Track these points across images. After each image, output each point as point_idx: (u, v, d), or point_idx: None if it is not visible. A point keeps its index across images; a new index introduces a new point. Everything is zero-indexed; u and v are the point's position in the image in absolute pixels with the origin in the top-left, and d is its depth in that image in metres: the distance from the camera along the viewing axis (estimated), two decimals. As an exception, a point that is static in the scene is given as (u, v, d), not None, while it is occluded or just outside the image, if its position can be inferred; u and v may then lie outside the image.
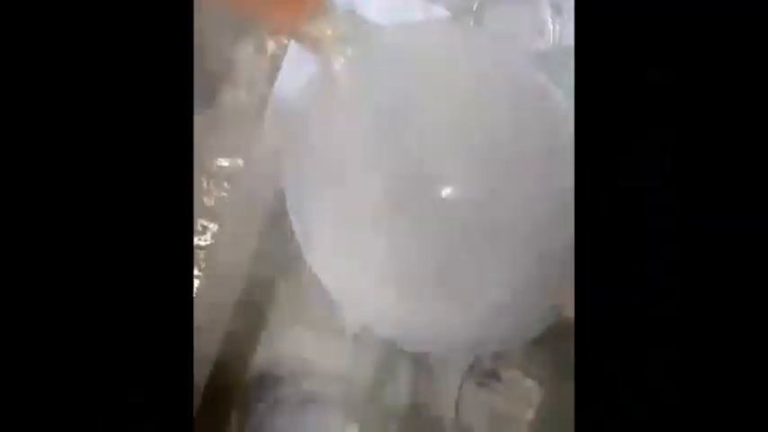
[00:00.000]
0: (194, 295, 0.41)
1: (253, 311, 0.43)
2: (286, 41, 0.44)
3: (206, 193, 0.45)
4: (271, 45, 0.45)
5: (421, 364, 0.43)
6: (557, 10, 0.37)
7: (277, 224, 0.40)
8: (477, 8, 0.38)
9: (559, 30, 0.37)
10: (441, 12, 0.43)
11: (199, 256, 0.44)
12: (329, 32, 0.32)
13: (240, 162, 0.44)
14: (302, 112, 0.32)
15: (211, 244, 0.44)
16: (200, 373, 0.39)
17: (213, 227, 0.45)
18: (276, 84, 0.45)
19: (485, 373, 0.38)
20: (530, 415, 0.36)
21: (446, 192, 0.33)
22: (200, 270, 0.43)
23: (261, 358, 0.42)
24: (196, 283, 0.42)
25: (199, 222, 0.44)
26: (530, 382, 0.37)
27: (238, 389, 0.42)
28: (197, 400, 0.39)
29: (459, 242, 0.34)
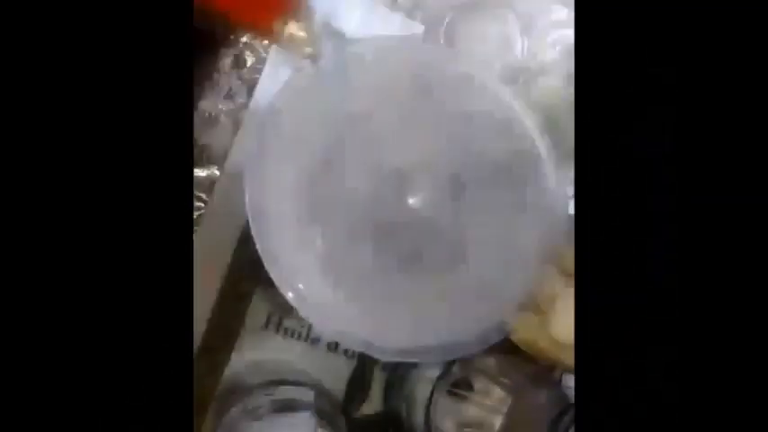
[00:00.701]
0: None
1: (227, 320, 0.43)
2: (264, 53, 0.45)
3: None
4: (250, 57, 0.46)
5: (393, 372, 0.43)
6: (526, 26, 0.38)
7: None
8: (448, 23, 0.39)
9: (528, 45, 0.38)
10: (415, 26, 0.44)
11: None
12: (304, 37, 0.33)
13: (217, 172, 0.45)
14: (273, 113, 0.32)
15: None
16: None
17: (189, 237, 0.45)
18: (254, 95, 0.45)
19: (456, 383, 0.39)
20: (499, 422, 0.36)
21: (411, 201, 0.34)
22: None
23: (234, 367, 0.42)
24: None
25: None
26: (500, 391, 0.37)
27: (211, 397, 0.42)
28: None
29: (418, 249, 0.34)
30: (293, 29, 0.33)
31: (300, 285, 0.32)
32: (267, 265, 0.31)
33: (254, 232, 0.31)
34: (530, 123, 0.34)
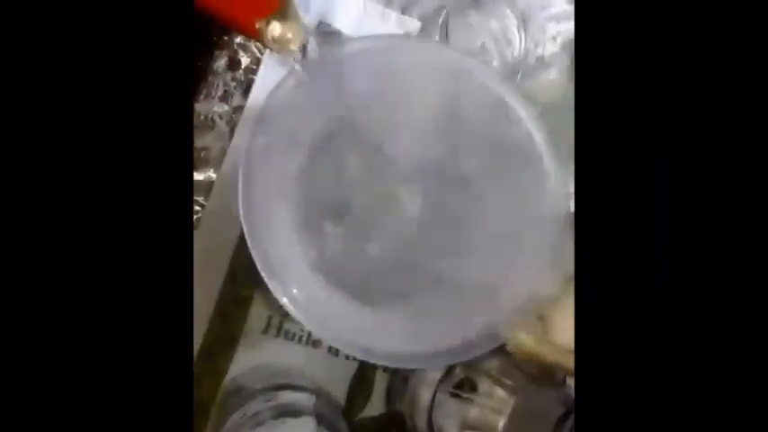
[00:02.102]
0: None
1: (227, 324, 0.43)
2: (259, 54, 0.44)
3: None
4: (244, 58, 0.45)
5: (395, 375, 0.43)
6: (523, 21, 0.37)
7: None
8: (443, 18, 0.38)
9: (526, 40, 0.37)
10: (412, 22, 0.43)
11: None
12: (289, 35, 0.32)
13: (213, 175, 0.44)
14: (265, 114, 0.32)
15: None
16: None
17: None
18: (250, 96, 0.45)
19: (458, 384, 0.38)
20: (503, 424, 0.36)
21: (407, 199, 0.34)
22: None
23: (235, 371, 0.42)
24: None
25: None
26: (502, 393, 0.37)
27: (212, 402, 0.42)
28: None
29: (415, 250, 0.34)
30: (277, 29, 0.32)
31: (295, 290, 0.32)
32: (261, 270, 0.31)
33: (247, 237, 0.31)
34: (528, 118, 0.34)
